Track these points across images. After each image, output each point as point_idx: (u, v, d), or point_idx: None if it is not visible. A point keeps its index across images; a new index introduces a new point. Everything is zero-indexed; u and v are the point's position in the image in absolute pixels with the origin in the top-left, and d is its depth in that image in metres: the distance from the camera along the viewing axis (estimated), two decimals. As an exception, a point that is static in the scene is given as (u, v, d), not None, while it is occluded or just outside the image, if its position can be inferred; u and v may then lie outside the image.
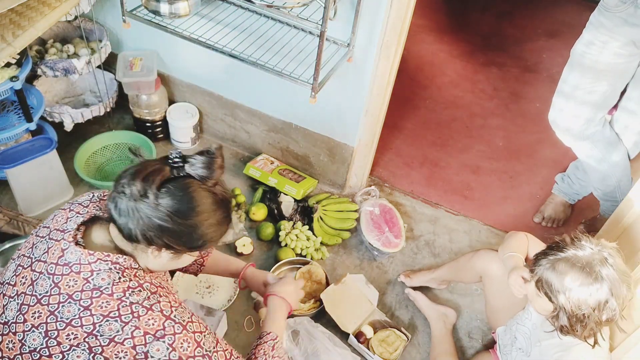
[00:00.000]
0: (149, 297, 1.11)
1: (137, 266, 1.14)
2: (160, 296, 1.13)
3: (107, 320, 1.06)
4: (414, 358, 1.86)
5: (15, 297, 1.12)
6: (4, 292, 1.15)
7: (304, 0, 1.62)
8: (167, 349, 1.08)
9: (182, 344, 1.10)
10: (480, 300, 2.02)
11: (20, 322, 1.09)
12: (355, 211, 2.20)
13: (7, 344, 1.09)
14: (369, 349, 1.81)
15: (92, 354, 1.06)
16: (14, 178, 1.96)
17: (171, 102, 2.40)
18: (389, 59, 1.86)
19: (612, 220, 1.88)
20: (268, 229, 2.10)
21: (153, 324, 1.08)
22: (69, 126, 2.19)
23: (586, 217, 2.35)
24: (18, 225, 1.96)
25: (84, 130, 2.30)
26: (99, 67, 2.20)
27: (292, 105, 2.17)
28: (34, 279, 1.11)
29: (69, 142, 2.25)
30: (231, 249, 2.07)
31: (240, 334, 1.84)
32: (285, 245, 2.07)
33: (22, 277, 1.13)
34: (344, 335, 1.85)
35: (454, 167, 2.57)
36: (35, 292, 1.10)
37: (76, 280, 1.09)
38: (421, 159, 2.59)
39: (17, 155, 1.92)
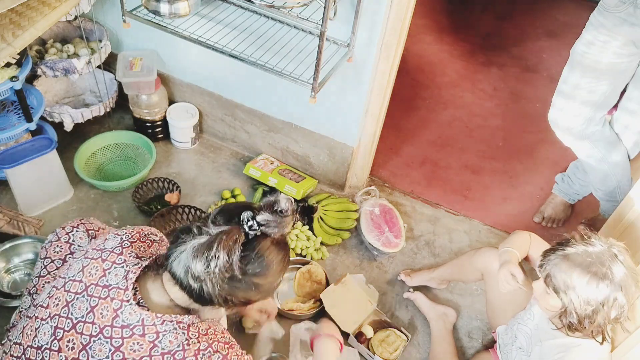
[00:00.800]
0: (217, 350, 1.08)
1: (198, 321, 1.11)
2: (228, 345, 1.11)
3: None
4: (414, 358, 1.86)
5: None
6: (44, 358, 1.07)
7: (304, 0, 1.62)
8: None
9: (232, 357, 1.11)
10: (480, 300, 2.02)
11: None
12: (355, 211, 2.20)
13: None
14: (369, 349, 1.81)
15: None
16: (14, 178, 1.96)
17: (171, 102, 2.40)
18: (389, 59, 1.86)
19: (612, 220, 1.88)
20: (268, 229, 2.10)
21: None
22: (69, 126, 2.19)
23: (586, 217, 2.35)
24: (18, 225, 1.96)
25: (84, 130, 2.30)
26: (99, 67, 2.20)
27: (292, 105, 2.17)
28: (84, 343, 1.05)
29: (69, 142, 2.25)
30: (231, 249, 2.07)
31: (241, 334, 1.83)
32: (285, 245, 2.07)
33: (68, 341, 1.06)
34: (344, 336, 1.85)
35: (454, 167, 2.57)
36: (92, 357, 1.04)
37: (141, 344, 1.03)
38: (421, 159, 2.59)
39: (17, 155, 1.92)
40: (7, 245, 1.87)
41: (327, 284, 1.96)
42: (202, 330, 1.09)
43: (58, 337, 1.07)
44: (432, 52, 3.25)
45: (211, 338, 1.09)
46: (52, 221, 2.04)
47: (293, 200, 1.12)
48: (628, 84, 1.90)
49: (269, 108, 2.24)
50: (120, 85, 2.29)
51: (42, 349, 1.07)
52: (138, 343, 1.03)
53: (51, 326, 1.07)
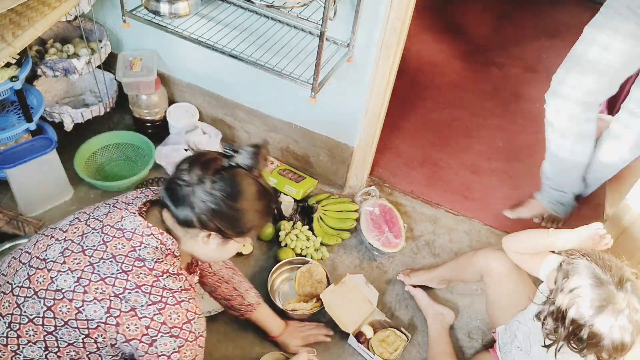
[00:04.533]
0: (181, 290, 1.17)
1: (179, 254, 1.23)
2: (191, 297, 1.19)
3: (137, 292, 1.14)
4: (414, 358, 1.86)
5: (62, 241, 1.21)
6: (53, 234, 1.24)
7: (304, 0, 1.62)
8: (174, 349, 1.14)
9: (186, 352, 1.16)
10: (480, 300, 2.02)
11: (59, 263, 1.18)
12: (355, 211, 2.20)
13: (37, 277, 1.17)
14: (369, 349, 1.81)
15: (108, 315, 1.13)
16: (14, 178, 1.96)
17: (171, 102, 2.40)
18: (389, 59, 1.86)
19: (611, 221, 1.89)
20: (268, 229, 2.10)
21: (173, 320, 1.14)
22: (69, 126, 2.19)
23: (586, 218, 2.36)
24: (18, 225, 1.96)
25: (84, 130, 2.30)
26: (99, 67, 2.20)
27: (292, 105, 2.17)
28: (85, 232, 1.22)
29: (69, 142, 2.25)
30: (231, 249, 2.07)
31: (239, 336, 1.83)
32: (285, 245, 2.07)
33: (75, 228, 1.23)
34: (344, 335, 1.85)
35: (454, 167, 2.57)
36: (83, 242, 1.19)
37: (124, 245, 1.18)
38: (421, 159, 2.59)
39: (17, 155, 1.92)
40: (7, 245, 1.86)
41: (328, 282, 1.96)
42: (172, 269, 1.19)
43: (72, 223, 1.25)
44: (432, 52, 3.25)
45: (182, 272, 1.22)
46: (52, 221, 2.03)
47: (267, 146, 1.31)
48: (632, 86, 1.91)
49: (269, 108, 2.24)
50: (120, 85, 2.29)
51: (56, 229, 1.26)
52: (122, 244, 1.18)
53: (62, 246, 1.21)
